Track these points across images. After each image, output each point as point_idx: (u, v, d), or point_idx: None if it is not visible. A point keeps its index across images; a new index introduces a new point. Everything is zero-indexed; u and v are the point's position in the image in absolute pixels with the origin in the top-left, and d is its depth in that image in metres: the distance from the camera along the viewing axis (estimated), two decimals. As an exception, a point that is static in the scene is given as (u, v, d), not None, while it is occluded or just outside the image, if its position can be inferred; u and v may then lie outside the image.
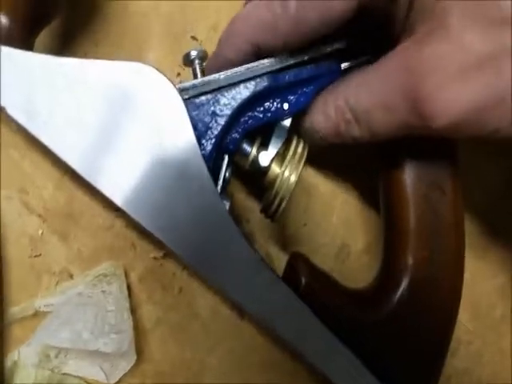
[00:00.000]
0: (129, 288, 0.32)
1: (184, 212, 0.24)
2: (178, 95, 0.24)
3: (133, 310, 0.31)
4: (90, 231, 0.32)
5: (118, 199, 0.24)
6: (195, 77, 0.27)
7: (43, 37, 0.29)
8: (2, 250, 0.31)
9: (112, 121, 0.23)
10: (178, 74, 0.34)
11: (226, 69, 0.26)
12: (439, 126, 0.21)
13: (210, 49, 0.34)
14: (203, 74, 0.27)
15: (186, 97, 0.25)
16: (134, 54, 0.34)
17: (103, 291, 0.30)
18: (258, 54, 0.26)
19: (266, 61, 0.26)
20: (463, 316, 0.27)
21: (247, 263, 0.24)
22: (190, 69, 0.28)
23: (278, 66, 0.26)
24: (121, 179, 0.24)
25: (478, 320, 0.32)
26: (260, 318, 0.25)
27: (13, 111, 0.23)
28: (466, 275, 0.27)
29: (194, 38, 0.34)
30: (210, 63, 0.28)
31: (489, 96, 0.20)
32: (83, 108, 0.23)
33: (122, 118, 0.23)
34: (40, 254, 0.32)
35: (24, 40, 0.24)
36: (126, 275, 0.32)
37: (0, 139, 0.31)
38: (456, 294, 0.27)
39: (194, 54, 0.27)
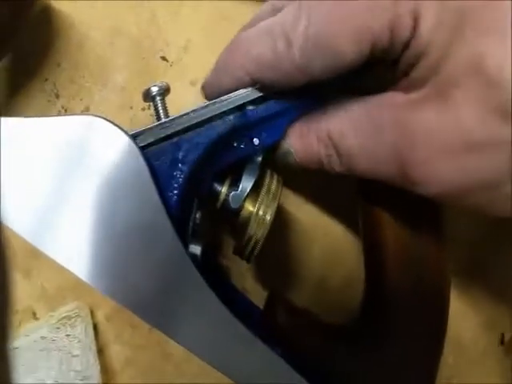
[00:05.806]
0: (95, 327, 0.30)
1: (147, 276, 0.22)
2: (136, 147, 0.22)
3: (100, 351, 0.30)
4: (54, 267, 0.30)
5: (75, 267, 0.21)
6: (157, 114, 0.25)
7: None
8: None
9: (67, 182, 0.21)
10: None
11: (220, 96, 0.23)
12: (423, 193, 0.21)
13: (181, 70, 0.32)
14: (165, 110, 0.25)
15: (142, 144, 0.23)
16: (99, 76, 0.31)
17: (67, 335, 0.28)
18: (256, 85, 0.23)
19: (231, 95, 0.23)
20: (445, 350, 0.26)
21: (221, 325, 0.22)
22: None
23: (241, 102, 0.23)
24: (73, 241, 0.21)
25: (460, 354, 0.31)
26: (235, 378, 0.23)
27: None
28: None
29: (163, 58, 0.32)
30: (207, 91, 0.25)
31: (472, 181, 0.19)
32: (34, 172, 0.21)
33: (78, 178, 0.21)
34: (1, 291, 0.30)
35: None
36: (93, 314, 0.30)
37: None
38: (442, 323, 0.26)
39: (154, 90, 0.25)
